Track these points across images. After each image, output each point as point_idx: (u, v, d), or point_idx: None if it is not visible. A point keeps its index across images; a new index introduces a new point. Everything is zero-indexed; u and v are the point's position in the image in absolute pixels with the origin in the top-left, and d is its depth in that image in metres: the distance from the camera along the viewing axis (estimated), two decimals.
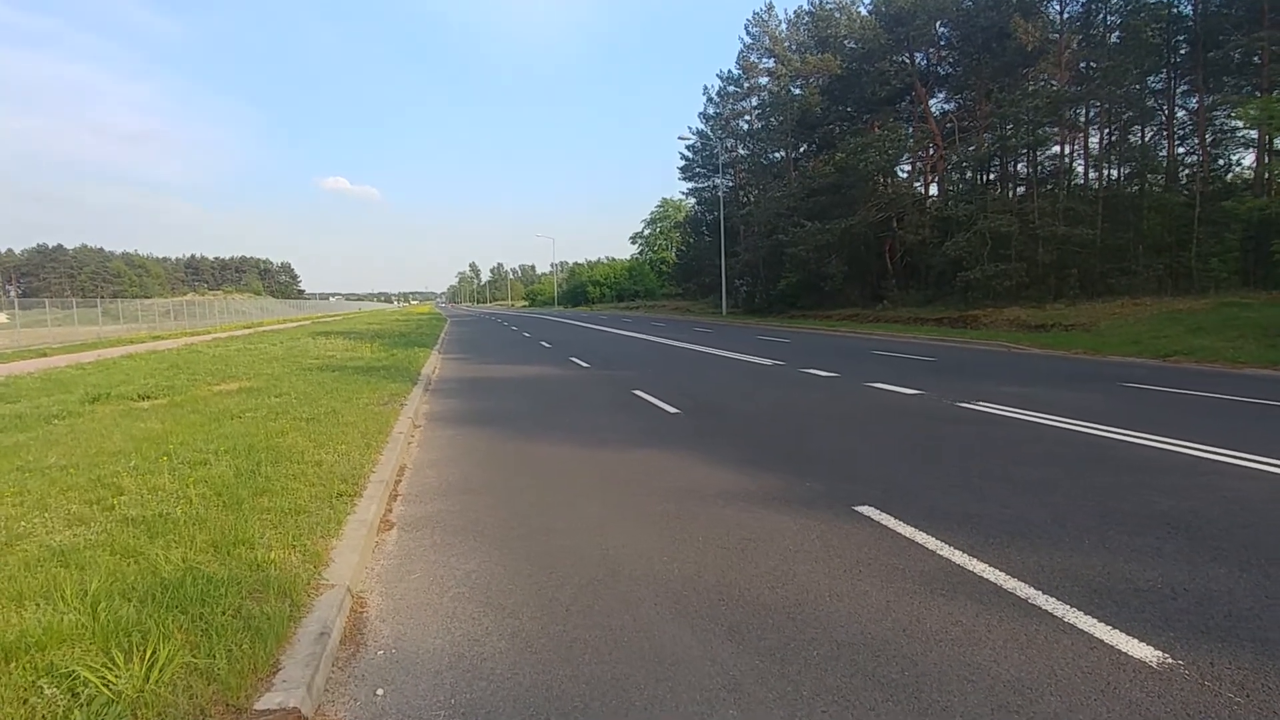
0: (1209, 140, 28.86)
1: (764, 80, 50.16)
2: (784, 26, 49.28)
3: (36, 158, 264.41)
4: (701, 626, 3.44)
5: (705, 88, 58.59)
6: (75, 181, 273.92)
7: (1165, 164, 29.38)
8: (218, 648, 2.95)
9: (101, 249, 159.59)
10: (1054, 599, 3.60)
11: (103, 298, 53.12)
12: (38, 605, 3.31)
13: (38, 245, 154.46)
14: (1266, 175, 26.73)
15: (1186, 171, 29.38)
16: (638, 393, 11.26)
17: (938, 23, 34.95)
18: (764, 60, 49.69)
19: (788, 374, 13.62)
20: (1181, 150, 30.27)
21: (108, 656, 2.81)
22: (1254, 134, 28.25)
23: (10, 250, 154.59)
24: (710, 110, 56.68)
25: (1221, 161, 29.56)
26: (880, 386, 11.36)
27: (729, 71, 53.25)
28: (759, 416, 9.15)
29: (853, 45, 39.48)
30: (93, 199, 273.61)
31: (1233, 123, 29.07)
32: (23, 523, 4.56)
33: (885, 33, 35.66)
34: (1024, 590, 3.70)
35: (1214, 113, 28.50)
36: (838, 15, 42.90)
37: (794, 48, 46.81)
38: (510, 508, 5.44)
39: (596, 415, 9.58)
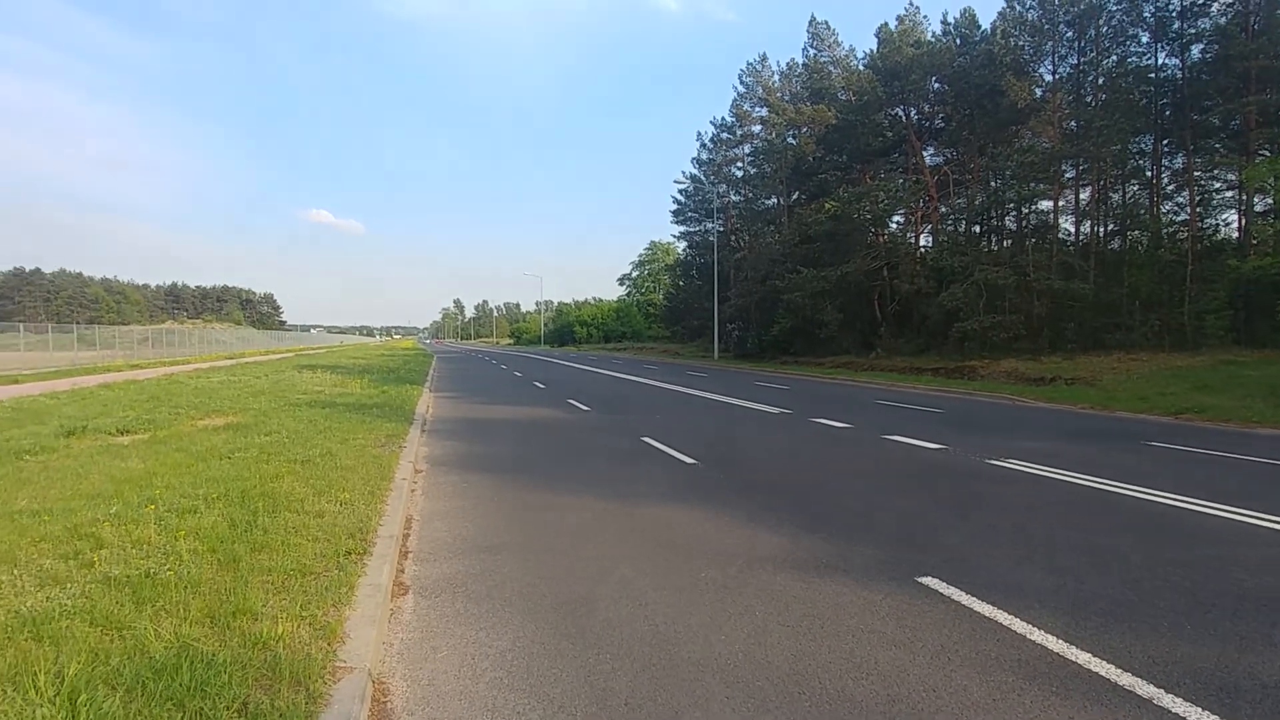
0: (1196, 200, 29.42)
1: (757, 129, 50.79)
2: (777, 78, 50.12)
3: (7, 180, 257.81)
4: None
5: (699, 134, 59.43)
6: (51, 206, 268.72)
7: (1149, 221, 29.83)
8: None
9: (80, 274, 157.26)
10: (1180, 699, 3.16)
11: (79, 323, 51.96)
12: (4, 693, 2.77)
13: (14, 269, 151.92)
14: (1256, 236, 27.16)
15: (1170, 229, 29.86)
16: (647, 440, 10.79)
17: (932, 78, 35.65)
18: (757, 109, 50.39)
19: (798, 424, 13.21)
20: (1167, 208, 30.85)
21: None
22: (1234, 194, 29.05)
23: None
24: (704, 156, 57.36)
25: (1209, 220, 30.12)
26: (900, 440, 10.97)
27: (722, 119, 53.99)
28: (781, 470, 8.71)
29: (847, 98, 40.13)
30: (71, 224, 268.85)
31: (1214, 184, 29.87)
32: None
33: (881, 86, 36.28)
34: (1144, 688, 3.25)
35: (1197, 173, 29.16)
36: (832, 69, 43.71)
37: (788, 98, 47.51)
38: (536, 571, 4.93)
39: (609, 464, 9.09)
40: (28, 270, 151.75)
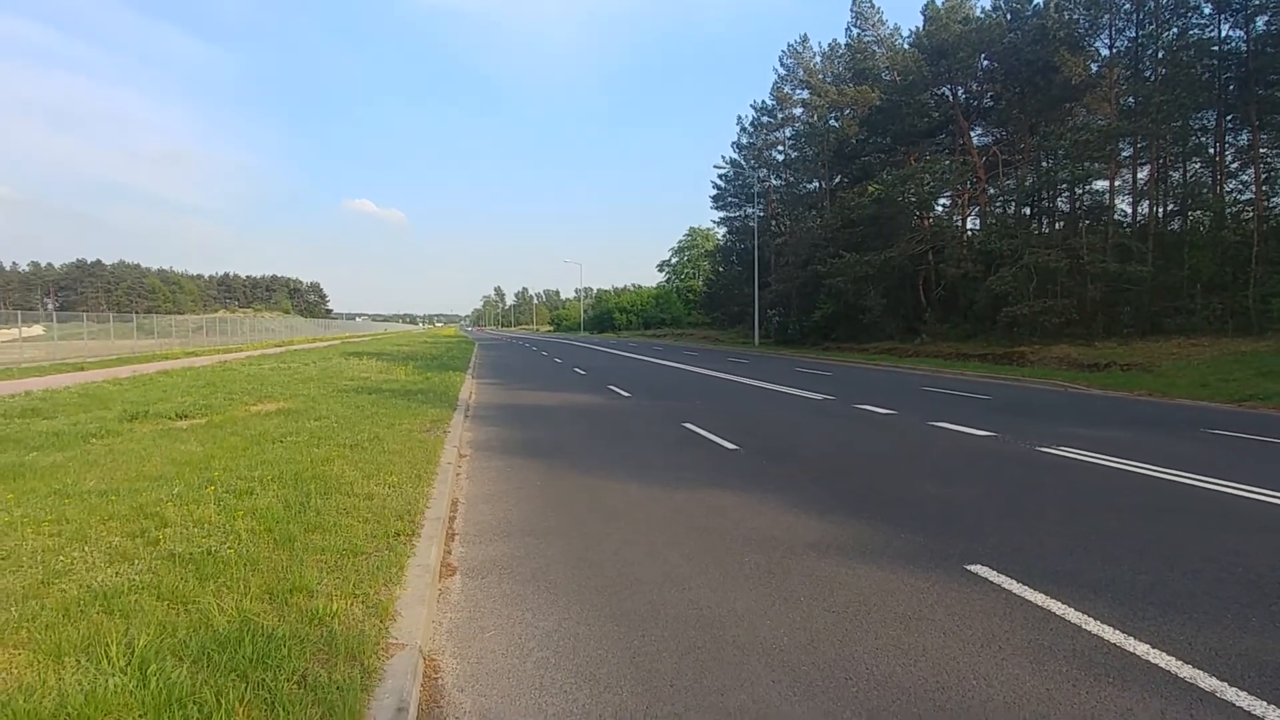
0: (1262, 178, 28.06)
1: (798, 111, 50.01)
2: (819, 59, 49.22)
3: (72, 177, 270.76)
4: (836, 713, 2.93)
5: (739, 118, 58.60)
6: (110, 201, 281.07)
7: (1212, 201, 28.54)
8: None
9: (138, 265, 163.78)
10: (1244, 692, 3.05)
11: (137, 312, 53.87)
12: (78, 663, 2.91)
13: (77, 261, 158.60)
14: None
15: (1234, 209, 28.53)
16: (688, 426, 10.78)
17: (981, 56, 34.56)
18: (798, 91, 49.56)
19: (841, 410, 13.06)
20: (1231, 187, 29.49)
21: None
22: None
23: (50, 265, 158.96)
24: (744, 140, 56.66)
25: (1276, 200, 28.69)
26: (946, 426, 10.76)
27: (763, 102, 53.28)
28: (826, 456, 8.63)
29: (891, 78, 39.22)
30: (128, 219, 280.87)
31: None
32: (61, 557, 4.19)
33: (927, 65, 35.34)
34: (1206, 681, 3.15)
35: (1263, 150, 27.77)
36: (876, 48, 42.77)
37: (829, 79, 46.66)
38: (580, 553, 4.98)
39: (650, 450, 9.11)
40: (89, 262, 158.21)
